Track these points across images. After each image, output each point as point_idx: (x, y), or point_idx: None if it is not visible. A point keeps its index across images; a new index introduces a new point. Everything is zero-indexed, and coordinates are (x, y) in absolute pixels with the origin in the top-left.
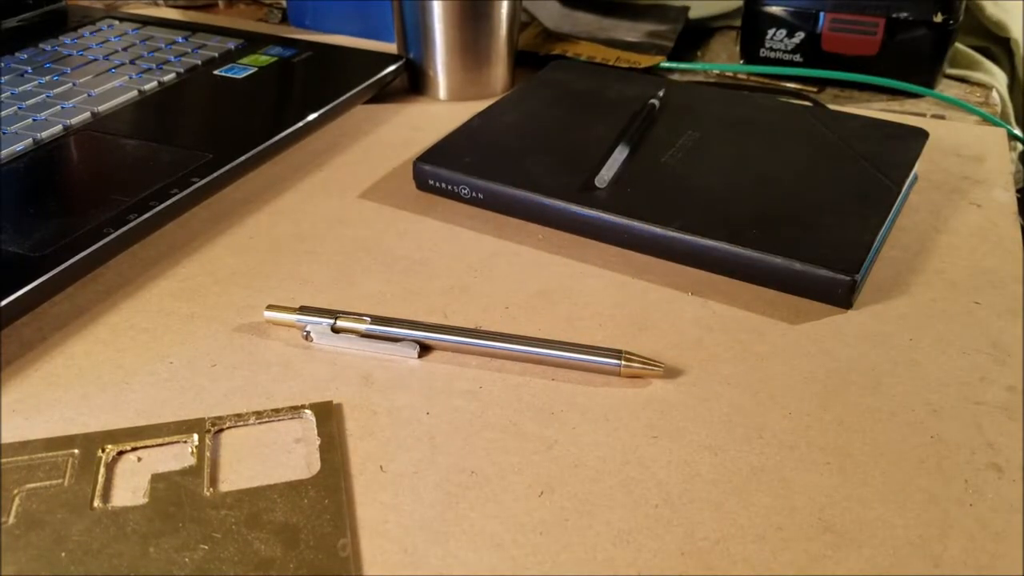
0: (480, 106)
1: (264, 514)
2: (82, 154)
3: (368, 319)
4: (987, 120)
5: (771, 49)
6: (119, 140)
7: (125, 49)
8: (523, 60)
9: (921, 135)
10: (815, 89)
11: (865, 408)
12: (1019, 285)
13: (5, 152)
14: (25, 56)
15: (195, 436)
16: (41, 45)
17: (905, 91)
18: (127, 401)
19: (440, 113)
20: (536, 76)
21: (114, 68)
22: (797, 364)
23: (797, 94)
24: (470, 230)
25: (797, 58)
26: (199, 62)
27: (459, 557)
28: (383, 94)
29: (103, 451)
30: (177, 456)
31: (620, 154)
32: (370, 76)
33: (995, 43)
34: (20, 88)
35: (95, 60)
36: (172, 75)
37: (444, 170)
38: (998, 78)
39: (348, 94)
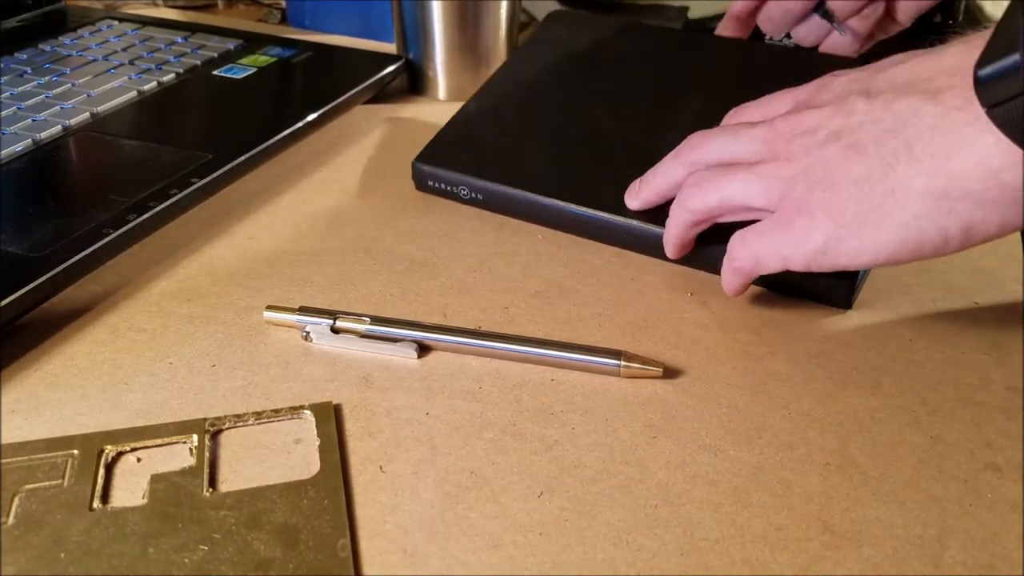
0: None
1: (264, 515)
2: (81, 154)
3: (367, 319)
4: None
5: None
6: (118, 140)
7: (124, 49)
8: None
9: None
10: None
11: (865, 408)
12: (1019, 285)
13: (4, 152)
14: (25, 56)
15: (194, 437)
16: (41, 45)
17: None
18: (127, 401)
19: (440, 113)
20: (533, 36)
21: (113, 68)
22: (797, 364)
23: None
24: (470, 230)
25: None
26: (198, 62)
27: (459, 557)
28: (383, 94)
29: (103, 452)
30: (177, 457)
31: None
32: (370, 76)
33: None
34: (20, 88)
35: (94, 60)
36: (171, 75)
37: (443, 171)
38: None
39: (348, 94)
